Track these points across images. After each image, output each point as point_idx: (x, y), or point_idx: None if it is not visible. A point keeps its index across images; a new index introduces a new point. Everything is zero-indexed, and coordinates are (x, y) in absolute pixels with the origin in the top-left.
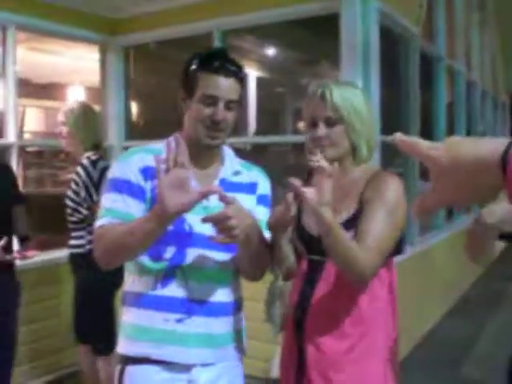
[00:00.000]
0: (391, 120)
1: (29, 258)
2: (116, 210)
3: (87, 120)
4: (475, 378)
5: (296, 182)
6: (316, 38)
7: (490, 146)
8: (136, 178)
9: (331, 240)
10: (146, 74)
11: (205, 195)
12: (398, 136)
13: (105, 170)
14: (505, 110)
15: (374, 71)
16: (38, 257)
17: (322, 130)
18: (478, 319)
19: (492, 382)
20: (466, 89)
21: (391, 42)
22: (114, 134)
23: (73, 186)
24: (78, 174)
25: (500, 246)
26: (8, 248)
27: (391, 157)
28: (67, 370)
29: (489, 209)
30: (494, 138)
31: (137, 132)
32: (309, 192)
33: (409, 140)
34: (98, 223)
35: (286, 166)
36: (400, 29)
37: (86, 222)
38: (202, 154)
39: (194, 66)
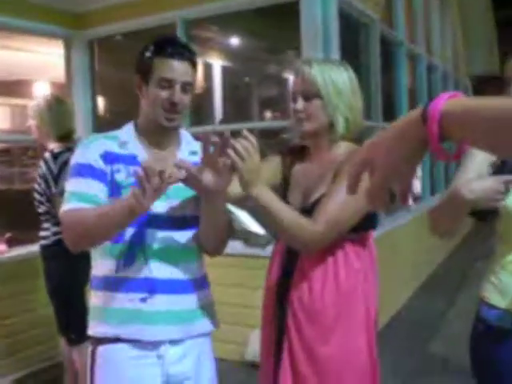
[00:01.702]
0: None
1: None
2: (80, 193)
3: (52, 112)
4: (443, 353)
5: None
6: (280, 27)
7: (412, 112)
8: (97, 162)
9: (269, 215)
10: (111, 66)
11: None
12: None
13: (65, 163)
14: (467, 93)
15: (335, 57)
16: (8, 253)
17: (299, 103)
18: (447, 297)
19: (459, 358)
20: (427, 72)
21: (351, 28)
22: (81, 127)
23: (37, 178)
24: (40, 166)
25: (466, 222)
26: None
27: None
28: (48, 363)
29: (468, 185)
30: None
31: (104, 125)
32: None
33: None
34: (64, 208)
35: None
36: (360, 15)
37: (50, 214)
38: (160, 137)
39: (148, 53)
